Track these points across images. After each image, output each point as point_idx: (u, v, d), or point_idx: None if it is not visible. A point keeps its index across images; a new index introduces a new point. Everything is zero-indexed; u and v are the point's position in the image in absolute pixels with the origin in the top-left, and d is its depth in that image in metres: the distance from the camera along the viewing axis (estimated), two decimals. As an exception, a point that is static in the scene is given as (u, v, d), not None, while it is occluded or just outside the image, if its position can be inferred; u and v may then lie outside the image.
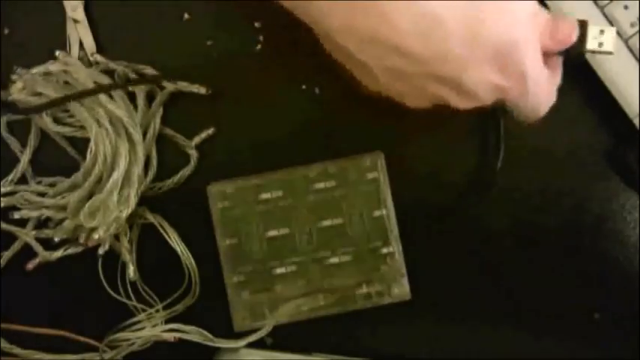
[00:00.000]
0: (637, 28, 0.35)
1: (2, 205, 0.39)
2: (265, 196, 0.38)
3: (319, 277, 0.38)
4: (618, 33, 0.35)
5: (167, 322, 0.39)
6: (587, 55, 0.36)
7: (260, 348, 0.39)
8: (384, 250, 0.38)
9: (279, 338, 0.40)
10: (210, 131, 0.40)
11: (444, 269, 0.39)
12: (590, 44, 0.33)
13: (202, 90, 0.39)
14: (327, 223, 0.38)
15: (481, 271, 0.40)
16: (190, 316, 0.39)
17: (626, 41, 0.35)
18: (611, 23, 0.35)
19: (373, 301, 0.38)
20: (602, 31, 0.33)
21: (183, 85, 0.39)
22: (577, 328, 0.40)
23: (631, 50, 0.35)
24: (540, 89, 0.33)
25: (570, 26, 0.33)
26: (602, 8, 0.35)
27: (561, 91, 0.38)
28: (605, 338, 0.40)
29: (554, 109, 0.38)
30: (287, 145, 0.40)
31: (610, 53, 0.33)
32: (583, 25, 0.33)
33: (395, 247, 0.38)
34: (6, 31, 0.40)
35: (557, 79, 0.34)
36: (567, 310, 0.40)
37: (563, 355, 0.40)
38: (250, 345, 0.38)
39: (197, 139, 0.39)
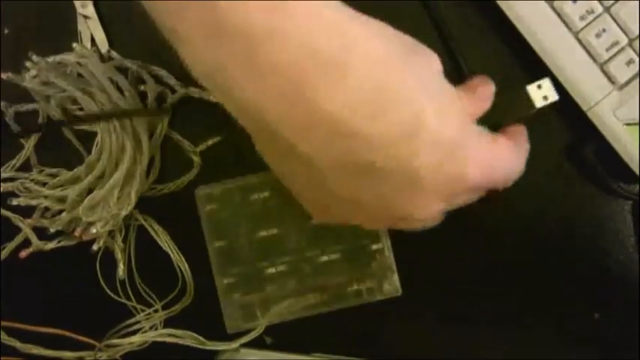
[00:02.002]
0: (587, 21, 0.35)
1: (1, 190, 0.39)
2: (253, 197, 0.38)
3: (310, 276, 0.38)
4: (569, 27, 0.36)
5: (165, 322, 0.39)
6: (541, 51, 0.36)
7: (260, 348, 0.39)
8: (374, 247, 0.38)
9: (279, 338, 0.40)
10: (217, 139, 0.40)
11: (434, 264, 0.39)
12: (539, 103, 0.34)
13: (213, 98, 0.39)
14: (315, 221, 0.38)
15: (474, 265, 0.39)
16: (188, 317, 0.39)
17: (576, 35, 0.36)
18: (560, 17, 0.36)
19: (364, 298, 0.38)
20: (539, 86, 0.34)
21: (195, 91, 0.39)
22: (577, 328, 0.39)
23: (581, 44, 0.36)
24: (497, 175, 0.30)
25: (482, 82, 0.32)
26: (551, 2, 0.36)
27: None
28: (605, 338, 0.39)
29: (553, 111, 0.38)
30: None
31: (557, 100, 0.35)
32: (522, 91, 0.34)
33: (384, 244, 0.38)
34: (6, 31, 0.41)
35: (522, 148, 0.33)
36: (567, 310, 0.39)
37: (563, 355, 0.39)
38: (250, 345, 0.38)
39: (203, 146, 0.40)
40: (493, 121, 0.32)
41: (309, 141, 0.25)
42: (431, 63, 0.27)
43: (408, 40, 0.27)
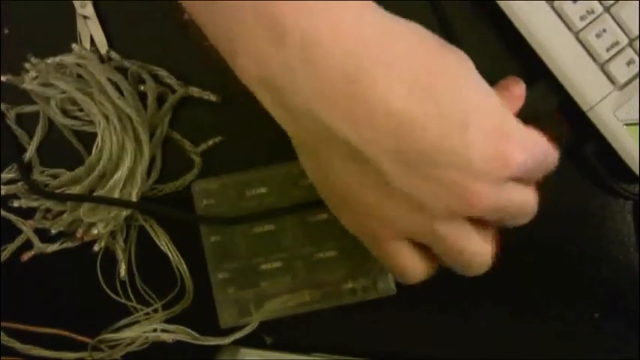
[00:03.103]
0: (587, 21, 0.35)
1: (3, 192, 0.40)
2: (249, 192, 0.38)
3: (305, 273, 0.38)
4: (569, 27, 0.36)
5: (165, 322, 0.39)
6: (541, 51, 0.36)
7: (260, 348, 0.40)
8: (369, 245, 0.38)
9: (279, 338, 0.40)
10: (217, 139, 0.40)
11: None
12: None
13: (213, 97, 0.39)
14: (311, 218, 0.38)
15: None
16: (187, 316, 0.40)
17: (576, 34, 0.35)
18: (560, 17, 0.35)
19: (359, 296, 0.38)
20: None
21: (195, 91, 0.39)
22: (577, 328, 0.39)
23: (581, 44, 0.35)
24: (538, 157, 0.31)
25: (515, 82, 0.34)
26: (551, 2, 0.35)
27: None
28: (605, 338, 0.39)
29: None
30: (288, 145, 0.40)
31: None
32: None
33: (379, 242, 0.37)
34: (6, 31, 0.41)
35: None
36: (567, 310, 0.39)
37: (563, 355, 0.39)
38: (249, 344, 0.39)
39: (204, 146, 0.40)
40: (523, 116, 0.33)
41: (369, 129, 0.27)
42: (465, 59, 0.30)
43: (440, 39, 0.30)
